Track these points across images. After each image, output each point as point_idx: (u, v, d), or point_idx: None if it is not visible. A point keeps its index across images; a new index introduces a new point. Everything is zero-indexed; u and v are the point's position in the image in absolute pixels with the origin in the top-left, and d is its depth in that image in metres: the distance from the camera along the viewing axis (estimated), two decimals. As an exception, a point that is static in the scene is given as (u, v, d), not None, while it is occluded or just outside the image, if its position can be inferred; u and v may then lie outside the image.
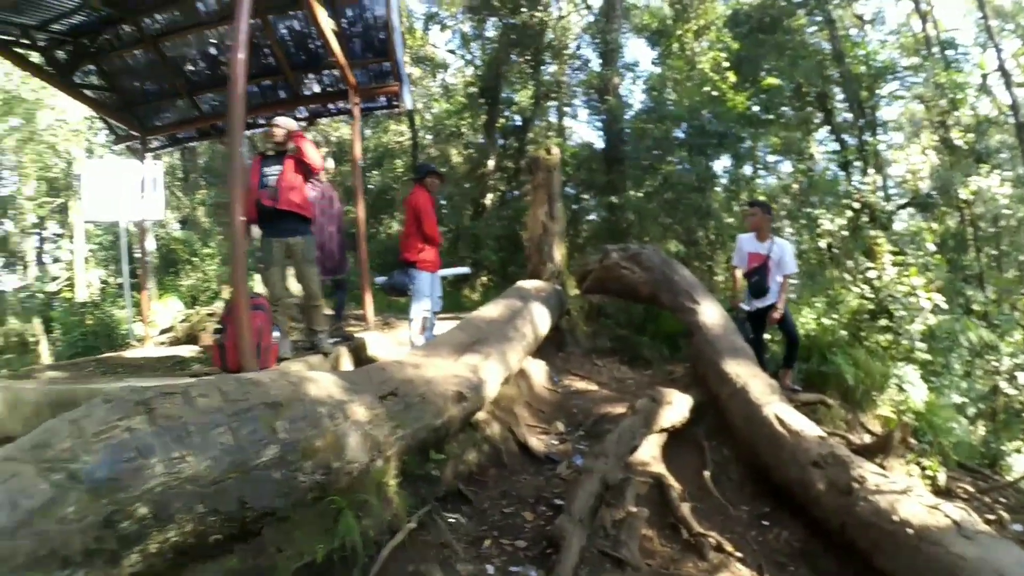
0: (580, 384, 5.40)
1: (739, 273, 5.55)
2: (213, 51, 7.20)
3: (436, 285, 5.33)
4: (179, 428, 1.92)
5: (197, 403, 2.04)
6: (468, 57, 18.78)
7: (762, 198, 9.88)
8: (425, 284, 5.11)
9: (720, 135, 9.91)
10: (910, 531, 2.69)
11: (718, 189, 10.22)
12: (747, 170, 11.70)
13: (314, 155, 4.71)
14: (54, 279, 17.81)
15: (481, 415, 3.88)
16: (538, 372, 5.22)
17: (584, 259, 7.05)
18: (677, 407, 4.31)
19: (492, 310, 4.74)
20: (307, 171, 4.74)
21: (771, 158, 13.16)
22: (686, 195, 9.63)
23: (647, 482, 3.71)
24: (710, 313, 5.24)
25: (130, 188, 8.25)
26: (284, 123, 4.79)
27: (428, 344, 3.91)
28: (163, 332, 9.12)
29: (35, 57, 6.95)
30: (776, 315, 5.19)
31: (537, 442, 4.12)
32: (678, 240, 9.73)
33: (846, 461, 3.30)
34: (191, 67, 7.47)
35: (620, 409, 4.71)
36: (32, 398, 3.93)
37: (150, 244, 15.62)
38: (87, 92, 7.54)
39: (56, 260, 18.73)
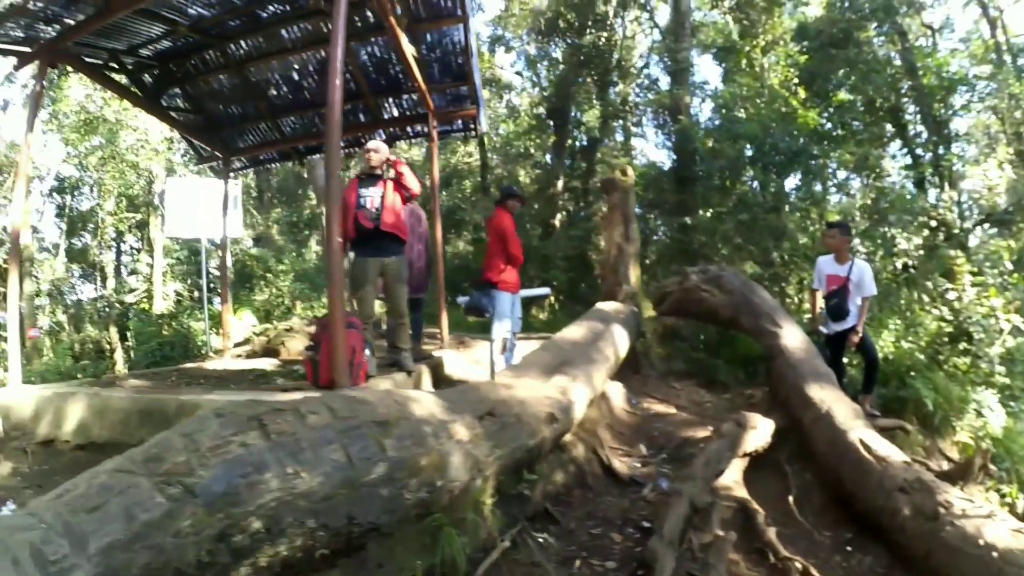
0: (659, 407, 5.35)
1: (818, 296, 5.49)
2: (295, 76, 7.48)
3: (516, 306, 5.38)
4: (292, 444, 1.96)
5: (308, 420, 2.08)
6: (534, 79, 19.00)
7: (837, 218, 9.61)
8: (506, 304, 5.17)
9: (793, 153, 9.68)
10: (995, 554, 2.68)
11: (790, 209, 9.97)
12: (817, 188, 11.36)
13: (413, 180, 4.87)
14: (132, 291, 18.67)
15: (567, 436, 3.88)
16: (617, 394, 5.20)
17: (662, 281, 7.00)
18: (761, 431, 4.25)
19: (575, 332, 4.77)
20: (405, 194, 4.90)
21: (841, 175, 12.78)
22: (761, 215, 9.43)
23: (732, 506, 3.65)
24: (792, 336, 5.13)
25: (210, 206, 8.59)
26: (381, 148, 4.93)
27: (517, 365, 3.96)
28: (238, 345, 9.41)
29: (123, 79, 7.24)
30: (855, 338, 5.11)
31: (621, 464, 4.11)
32: (753, 261, 9.53)
33: (932, 487, 3.27)
34: (274, 91, 7.76)
35: (702, 433, 4.65)
36: (120, 406, 3.90)
37: (227, 260, 16.24)
38: (173, 114, 7.89)
39: (134, 272, 19.56)
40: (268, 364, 6.19)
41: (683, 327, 7.13)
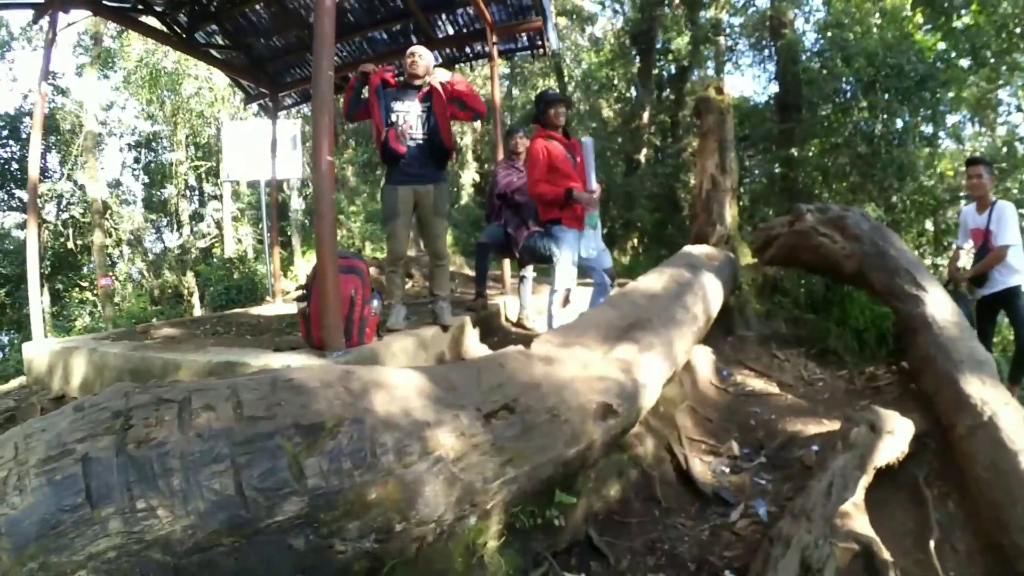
0: (757, 383, 4.23)
1: (962, 254, 4.71)
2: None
3: (592, 241, 4.16)
4: (156, 461, 1.29)
5: (195, 421, 1.35)
6: (616, 7, 17.73)
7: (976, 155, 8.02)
8: (572, 244, 4.08)
9: (921, 77, 8.04)
10: None
11: (920, 145, 8.34)
12: (927, 129, 9.54)
13: (476, 98, 4.01)
14: (205, 236, 19.06)
15: (632, 427, 2.91)
16: (704, 363, 4.13)
17: (768, 222, 5.79)
18: (898, 437, 3.07)
19: (655, 282, 3.69)
20: (468, 111, 4.01)
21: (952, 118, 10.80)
22: (885, 149, 7.90)
23: (850, 547, 2.56)
24: (941, 304, 3.86)
25: (267, 148, 8.14)
26: (426, 54, 4.02)
27: (570, 325, 2.96)
28: (299, 288, 9.07)
29: (155, 23, 6.74)
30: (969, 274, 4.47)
31: (703, 468, 3.08)
32: (874, 203, 8.06)
33: None
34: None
35: (813, 427, 3.54)
36: (115, 363, 3.62)
37: (297, 203, 16.09)
38: (213, 52, 7.32)
39: (204, 220, 20.01)
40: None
41: (786, 279, 5.94)
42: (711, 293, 4.00)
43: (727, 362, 4.51)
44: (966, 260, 4.85)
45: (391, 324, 3.84)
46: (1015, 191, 7.59)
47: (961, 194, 8.13)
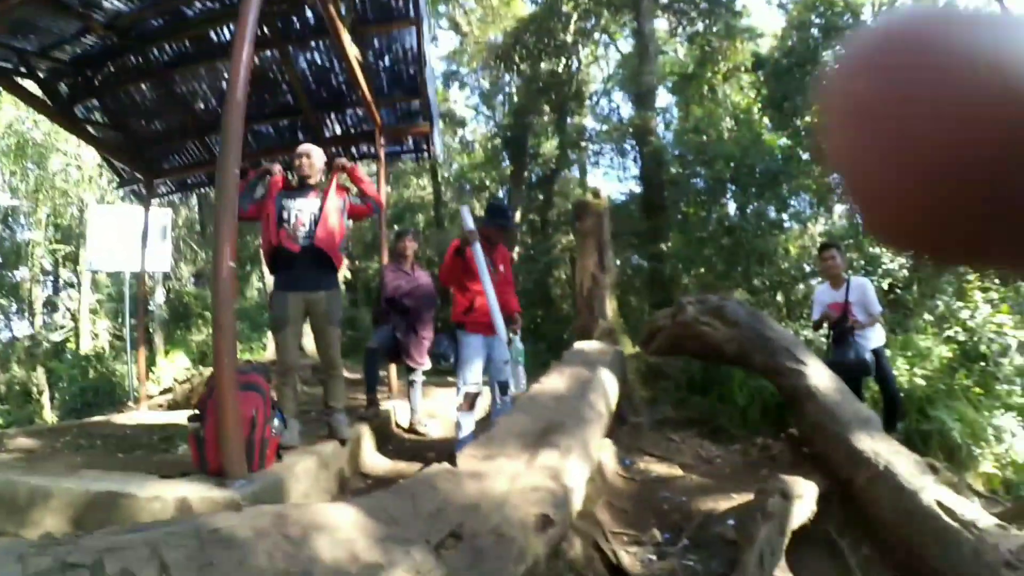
0: (659, 468, 4.38)
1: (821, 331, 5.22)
2: (225, 86, 6.55)
3: (498, 350, 4.16)
4: None
5: None
6: (489, 113, 19.11)
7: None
8: (472, 348, 4.07)
9: (772, 174, 9.12)
10: None
11: (777, 232, 9.40)
12: (806, 211, 10.86)
13: (373, 186, 4.05)
14: (60, 328, 17.30)
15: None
16: (607, 456, 4.24)
17: (653, 315, 6.18)
18: (806, 500, 3.36)
19: (558, 382, 3.78)
20: (368, 202, 4.07)
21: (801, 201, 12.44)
22: (747, 239, 8.80)
23: None
24: (820, 375, 4.28)
25: (136, 237, 7.64)
26: (316, 152, 3.97)
27: (486, 438, 2.94)
28: (163, 392, 8.45)
29: (36, 90, 6.36)
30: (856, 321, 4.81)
31: (631, 559, 3.12)
32: (739, 287, 8.86)
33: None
34: (202, 104, 6.85)
35: (724, 503, 3.73)
36: None
37: (159, 297, 15.09)
38: (90, 129, 6.91)
39: (59, 309, 18.32)
40: (182, 419, 5.17)
41: (665, 364, 6.30)
42: (609, 388, 4.15)
43: (627, 450, 4.64)
44: (822, 332, 5.44)
45: (286, 441, 3.55)
46: (861, 262, 8.65)
47: (807, 270, 9.23)
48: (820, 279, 5.34)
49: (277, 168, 3.90)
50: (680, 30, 15.23)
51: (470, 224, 4.01)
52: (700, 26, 13.87)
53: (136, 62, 6.29)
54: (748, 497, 3.56)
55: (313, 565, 1.47)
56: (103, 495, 2.77)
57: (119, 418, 5.89)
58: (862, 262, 8.56)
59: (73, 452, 4.01)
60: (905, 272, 8.67)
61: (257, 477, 2.94)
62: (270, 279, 10.02)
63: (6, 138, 15.09)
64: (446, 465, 2.44)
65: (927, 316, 7.34)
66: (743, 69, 12.61)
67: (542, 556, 2.23)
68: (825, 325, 5.12)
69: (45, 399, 14.67)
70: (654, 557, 3.16)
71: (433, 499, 2.08)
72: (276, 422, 3.26)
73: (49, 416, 13.08)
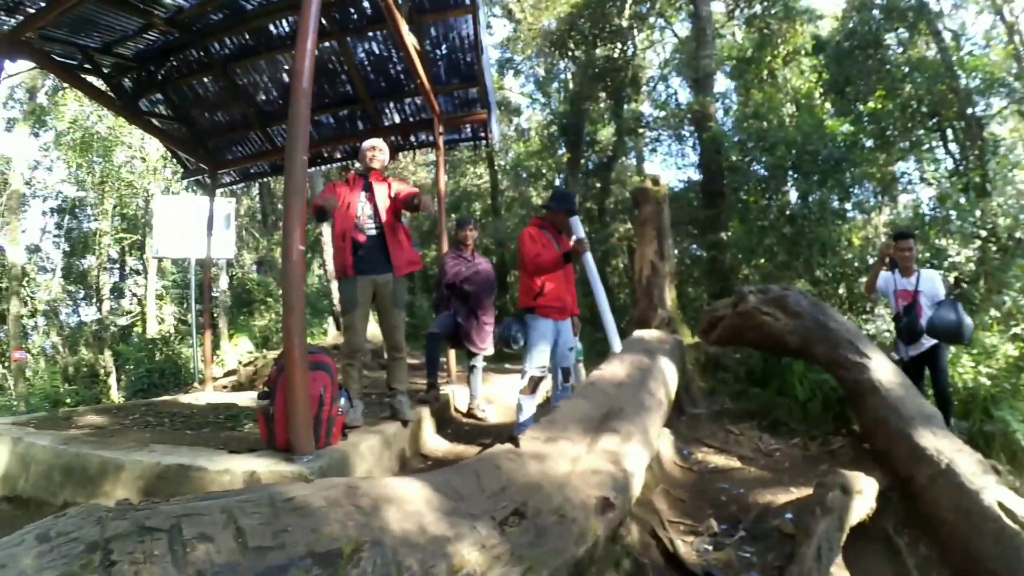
0: (718, 459, 4.31)
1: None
2: (285, 78, 6.71)
3: (564, 335, 4.30)
4: None
5: (192, 555, 1.20)
6: (544, 101, 18.84)
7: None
8: (541, 333, 4.11)
9: (835, 161, 8.81)
10: None
11: (840, 221, 9.09)
12: (869, 200, 10.48)
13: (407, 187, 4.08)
14: (127, 313, 18.09)
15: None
16: (666, 445, 4.20)
17: (712, 304, 6.09)
18: (866, 496, 3.27)
19: (619, 369, 3.74)
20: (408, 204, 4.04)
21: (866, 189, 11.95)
22: (809, 228, 8.54)
23: None
24: (884, 369, 4.14)
25: (200, 225, 7.92)
26: (384, 147, 4.12)
27: (549, 420, 2.98)
28: (227, 374, 8.73)
29: (102, 85, 6.66)
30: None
31: (687, 549, 3.10)
32: (801, 278, 8.62)
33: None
34: (263, 96, 7.03)
35: (783, 497, 3.65)
36: (43, 457, 3.24)
37: (223, 283, 15.69)
38: (155, 122, 7.19)
39: (125, 295, 19.12)
40: (247, 399, 5.35)
41: (724, 355, 6.19)
42: (669, 376, 4.10)
43: (685, 441, 4.59)
44: (887, 318, 5.23)
45: (350, 421, 3.67)
46: (927, 254, 8.34)
47: (870, 262, 8.88)
48: (886, 267, 5.11)
49: (333, 204, 3.86)
50: (738, 12, 14.81)
51: (581, 233, 4.21)
52: (758, 8, 13.34)
53: (197, 56, 6.51)
54: (806, 491, 3.52)
55: (383, 534, 1.50)
56: (173, 468, 2.87)
57: (185, 398, 6.08)
58: (927, 254, 8.22)
59: (142, 429, 4.13)
60: (972, 266, 8.32)
61: (323, 453, 3.01)
62: (331, 266, 10.27)
63: (72, 132, 15.83)
64: (509, 446, 2.46)
65: (993, 312, 7.03)
66: (803, 52, 12.12)
67: (601, 539, 2.24)
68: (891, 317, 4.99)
69: (112, 380, 15.37)
70: (710, 547, 3.13)
71: (497, 478, 2.10)
72: (342, 401, 3.36)
73: (116, 396, 13.74)
